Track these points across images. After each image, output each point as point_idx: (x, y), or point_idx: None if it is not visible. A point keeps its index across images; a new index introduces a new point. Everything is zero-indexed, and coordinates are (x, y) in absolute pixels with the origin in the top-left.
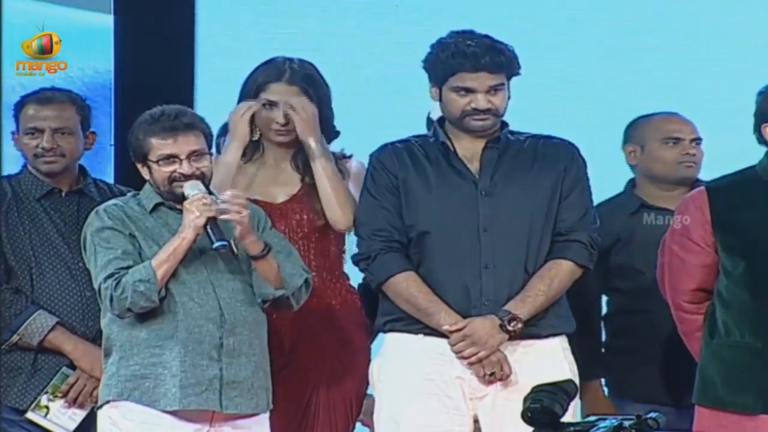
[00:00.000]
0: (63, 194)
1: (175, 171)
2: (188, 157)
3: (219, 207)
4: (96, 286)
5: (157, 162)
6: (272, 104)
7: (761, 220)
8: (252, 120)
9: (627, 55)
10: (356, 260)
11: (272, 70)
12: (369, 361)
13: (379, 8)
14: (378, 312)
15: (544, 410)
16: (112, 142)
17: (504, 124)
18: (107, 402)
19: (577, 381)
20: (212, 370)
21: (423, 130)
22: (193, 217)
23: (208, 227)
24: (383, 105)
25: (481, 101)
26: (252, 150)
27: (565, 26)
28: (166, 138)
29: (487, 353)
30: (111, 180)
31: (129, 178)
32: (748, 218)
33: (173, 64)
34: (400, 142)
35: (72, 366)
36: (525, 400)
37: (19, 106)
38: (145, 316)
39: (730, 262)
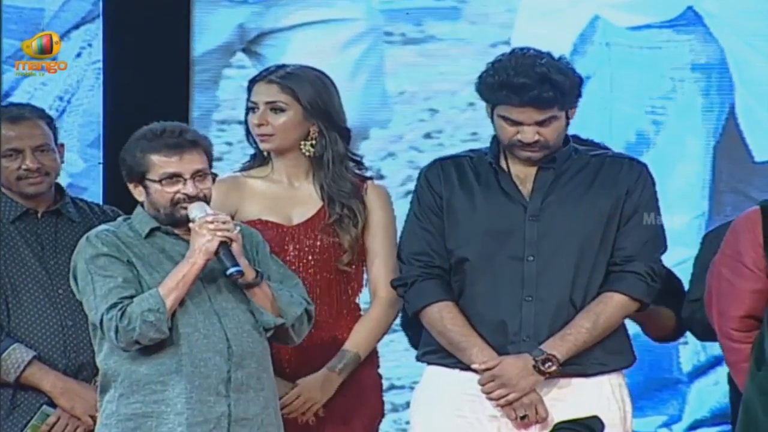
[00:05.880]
0: (39, 215)
1: (178, 191)
2: (193, 176)
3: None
4: (95, 318)
5: (159, 182)
6: (254, 105)
7: None
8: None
9: None
10: (394, 285)
11: (259, 73)
12: (380, 398)
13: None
14: (420, 341)
15: None
16: (101, 161)
17: (567, 140)
18: None
19: (629, 422)
20: (220, 406)
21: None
22: (204, 240)
23: (221, 252)
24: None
25: (528, 134)
26: (260, 164)
27: None
28: (170, 155)
29: (518, 396)
30: (99, 199)
31: (119, 197)
32: None
33: (164, 83)
34: (451, 157)
35: (52, 403)
36: None
37: None
38: (145, 350)
39: None
